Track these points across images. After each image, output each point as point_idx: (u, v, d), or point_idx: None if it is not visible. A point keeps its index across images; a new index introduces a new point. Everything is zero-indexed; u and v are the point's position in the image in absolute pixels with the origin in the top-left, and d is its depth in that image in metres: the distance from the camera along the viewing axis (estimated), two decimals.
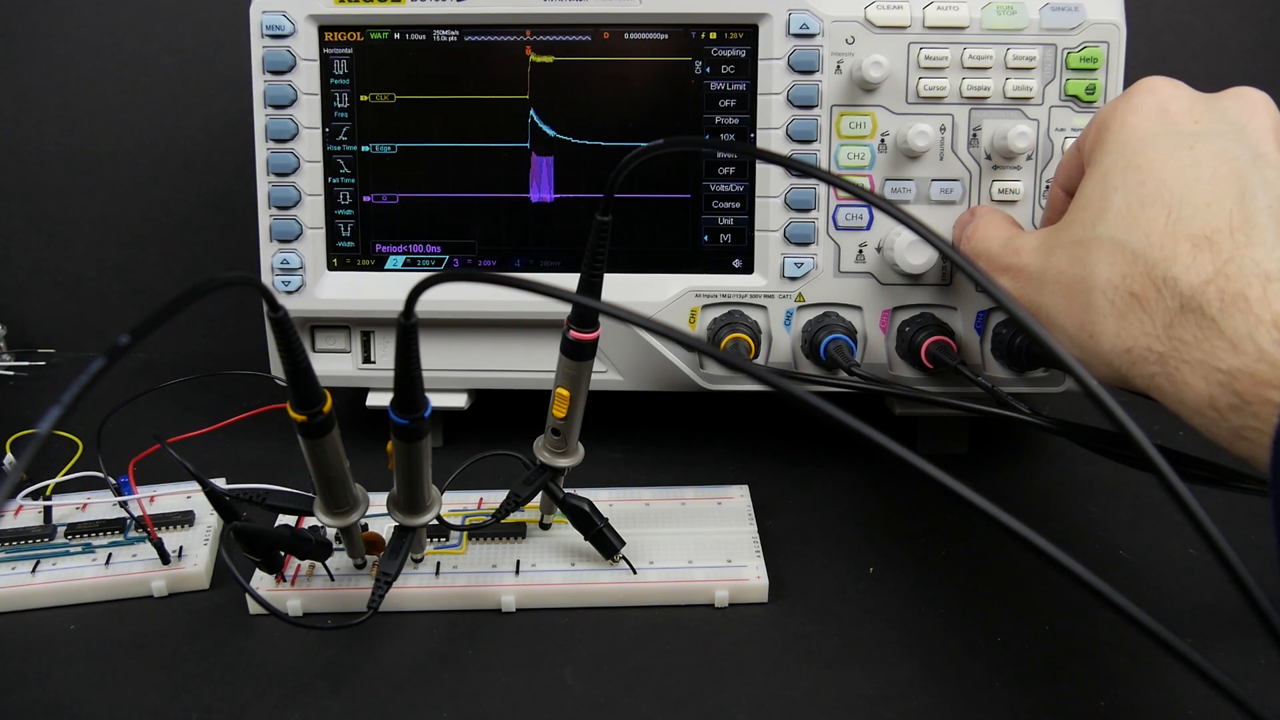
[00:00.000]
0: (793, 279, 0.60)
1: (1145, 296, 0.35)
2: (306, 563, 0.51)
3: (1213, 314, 0.32)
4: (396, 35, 0.60)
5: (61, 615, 0.50)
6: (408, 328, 0.38)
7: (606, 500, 0.56)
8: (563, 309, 0.50)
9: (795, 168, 0.33)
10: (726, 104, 0.59)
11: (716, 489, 0.58)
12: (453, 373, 0.63)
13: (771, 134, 0.59)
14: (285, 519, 0.51)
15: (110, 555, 0.53)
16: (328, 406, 0.42)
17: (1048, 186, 0.58)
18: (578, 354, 0.48)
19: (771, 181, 0.59)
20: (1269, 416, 0.29)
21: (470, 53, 0.60)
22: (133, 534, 0.54)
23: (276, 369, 0.62)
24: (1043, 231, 0.44)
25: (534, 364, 0.63)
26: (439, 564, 0.52)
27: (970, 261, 0.31)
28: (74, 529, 0.54)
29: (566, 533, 0.53)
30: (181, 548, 0.53)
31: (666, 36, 0.59)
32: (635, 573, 0.51)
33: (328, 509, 0.46)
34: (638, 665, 0.46)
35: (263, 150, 0.61)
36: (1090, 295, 0.38)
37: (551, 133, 0.60)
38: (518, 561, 0.52)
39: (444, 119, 0.61)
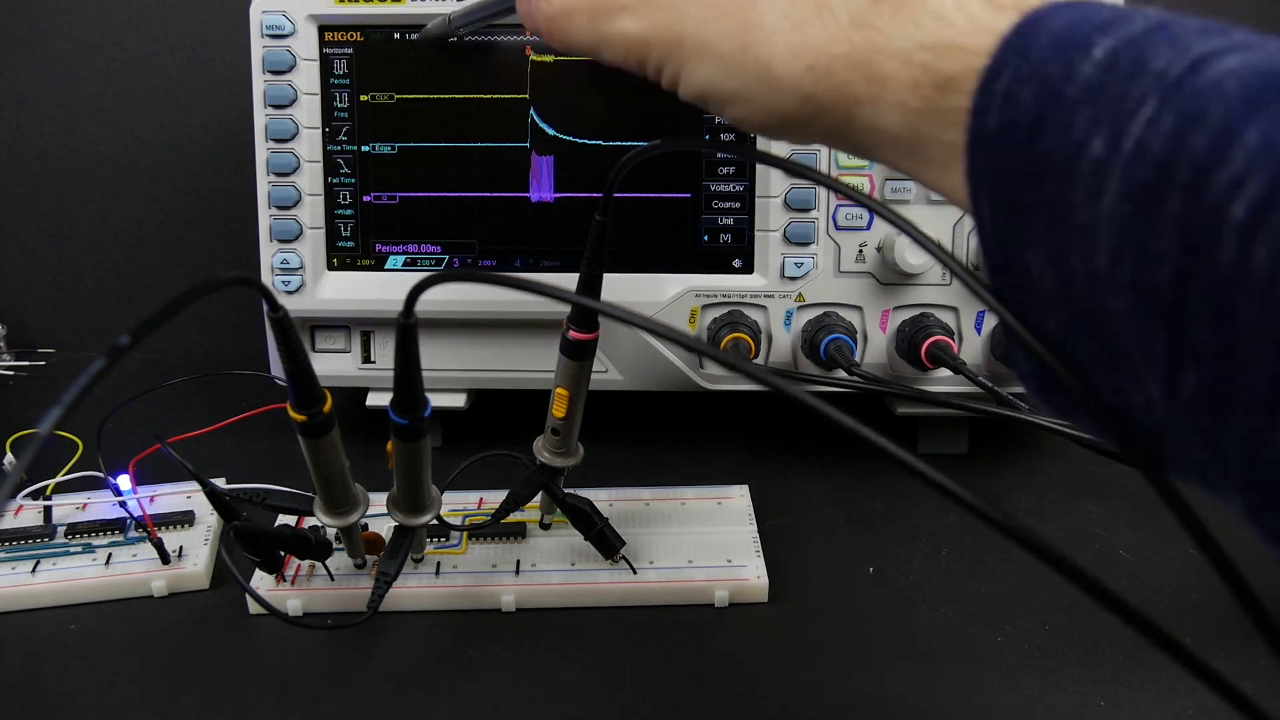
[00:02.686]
0: (793, 279, 0.60)
1: None
2: (306, 563, 0.51)
3: None
4: (396, 35, 0.60)
5: (61, 615, 0.50)
6: (407, 327, 0.38)
7: (606, 500, 0.56)
8: (562, 309, 0.50)
9: (794, 170, 0.33)
10: None
11: (716, 489, 0.58)
12: (453, 373, 0.63)
13: None
14: (285, 519, 0.51)
15: (110, 555, 0.53)
16: (328, 406, 0.42)
17: None
18: (577, 354, 0.48)
19: (771, 181, 0.59)
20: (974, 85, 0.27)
21: (470, 52, 0.60)
22: (133, 534, 0.54)
23: (276, 369, 0.62)
24: None
25: (534, 364, 0.63)
26: (439, 564, 0.52)
27: (960, 264, 0.30)
28: (74, 529, 0.54)
29: (566, 533, 0.53)
30: (181, 548, 0.53)
31: None
32: (635, 573, 0.51)
33: (328, 509, 0.46)
34: (638, 665, 0.46)
35: (263, 150, 0.61)
36: (752, 9, 0.32)
37: (551, 132, 0.60)
38: (518, 561, 0.52)
39: (444, 119, 0.61)
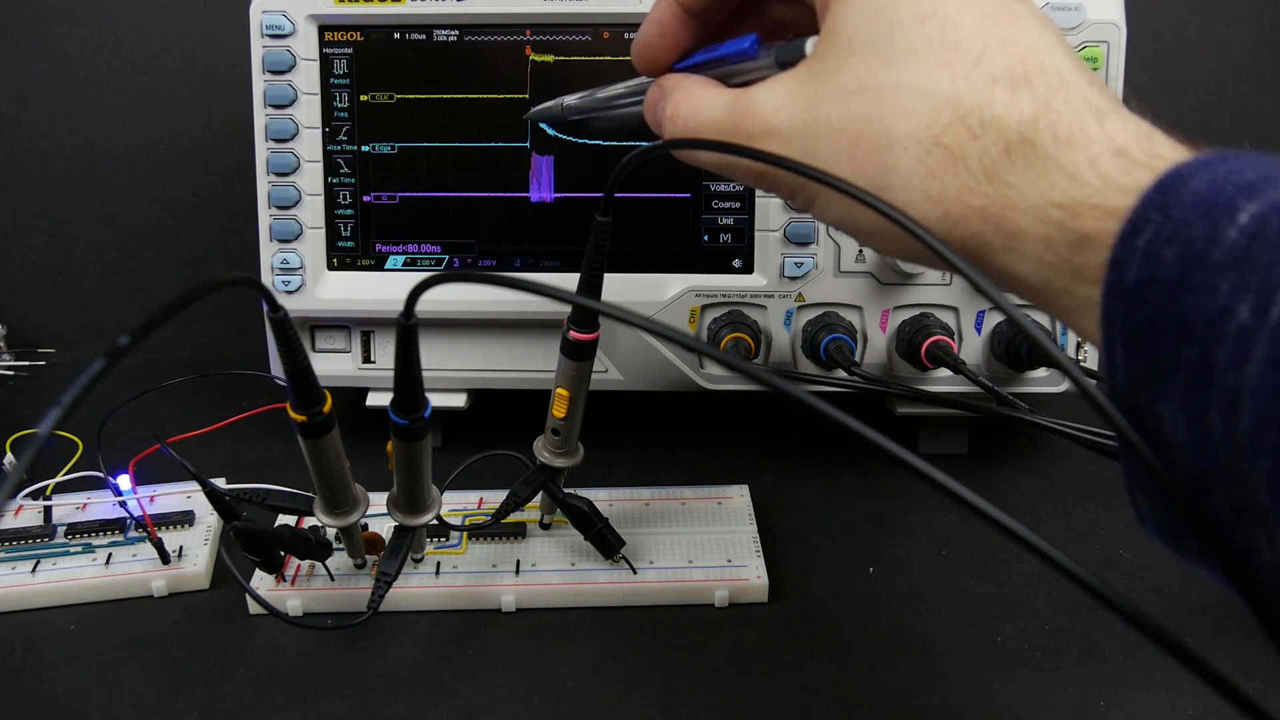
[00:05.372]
0: (793, 279, 0.60)
1: (959, 146, 0.31)
2: (306, 563, 0.51)
3: (1047, 149, 0.29)
4: (396, 35, 0.60)
5: (61, 615, 0.50)
6: (408, 328, 0.38)
7: (606, 500, 0.56)
8: (563, 309, 0.50)
9: (795, 169, 0.33)
10: None
11: (716, 489, 0.58)
12: (453, 373, 0.63)
13: None
14: (285, 519, 0.51)
15: (110, 555, 0.53)
16: (328, 406, 0.42)
17: None
18: (578, 354, 0.48)
19: None
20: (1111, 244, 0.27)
21: (470, 52, 0.60)
22: (133, 534, 0.54)
23: (276, 369, 0.62)
24: (780, 83, 0.35)
25: (534, 364, 0.63)
26: (439, 564, 0.52)
27: (965, 261, 0.30)
28: (74, 529, 0.54)
29: (566, 533, 0.53)
30: (181, 548, 0.53)
31: None
32: (635, 573, 0.51)
33: (328, 509, 0.46)
34: (638, 665, 0.46)
35: (263, 150, 0.61)
36: (887, 153, 0.32)
37: (551, 132, 0.60)
38: (518, 561, 0.52)
39: (444, 119, 0.61)
